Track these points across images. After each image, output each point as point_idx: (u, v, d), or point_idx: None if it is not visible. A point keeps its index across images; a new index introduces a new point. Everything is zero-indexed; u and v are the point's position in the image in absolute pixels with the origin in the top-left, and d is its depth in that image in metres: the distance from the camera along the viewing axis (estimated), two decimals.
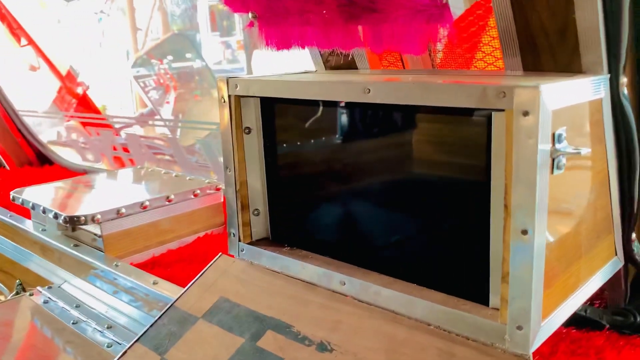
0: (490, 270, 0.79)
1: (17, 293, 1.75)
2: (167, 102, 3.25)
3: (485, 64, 1.01)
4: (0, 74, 2.77)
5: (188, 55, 3.58)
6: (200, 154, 2.31)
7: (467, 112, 0.76)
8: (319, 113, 0.97)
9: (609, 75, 0.84)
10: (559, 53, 0.87)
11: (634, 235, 0.99)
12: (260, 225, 1.10)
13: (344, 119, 0.94)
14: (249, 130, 1.06)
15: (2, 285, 1.90)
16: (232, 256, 1.10)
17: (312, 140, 1.02)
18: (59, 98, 2.93)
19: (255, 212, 1.09)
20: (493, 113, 0.74)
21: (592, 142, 0.83)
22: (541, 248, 0.72)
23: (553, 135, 0.71)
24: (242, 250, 1.09)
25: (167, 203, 1.54)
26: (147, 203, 1.51)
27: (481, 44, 0.97)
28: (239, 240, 1.09)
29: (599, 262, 0.91)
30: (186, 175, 1.77)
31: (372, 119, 0.90)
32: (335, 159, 0.98)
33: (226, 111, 1.05)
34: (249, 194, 1.08)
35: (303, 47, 0.94)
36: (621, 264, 0.98)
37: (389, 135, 0.90)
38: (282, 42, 0.94)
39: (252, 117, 1.06)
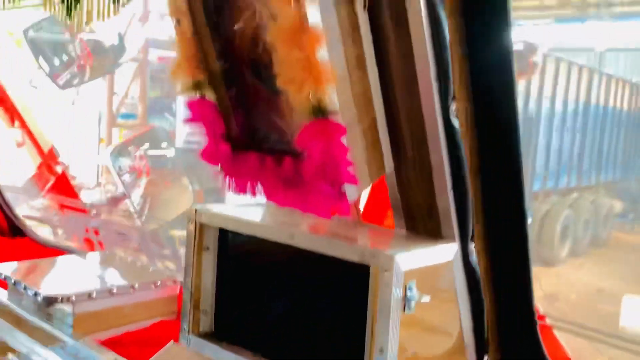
0: None
1: None
2: (138, 187, 3.57)
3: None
4: None
5: (163, 145, 3.96)
6: (162, 245, 2.61)
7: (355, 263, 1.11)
8: (260, 243, 1.31)
9: (458, 245, 1.21)
10: (428, 223, 1.24)
11: (485, 358, 1.33)
12: (206, 323, 1.41)
13: (275, 251, 1.28)
14: (207, 248, 1.40)
15: None
16: (182, 345, 1.40)
17: (254, 264, 1.35)
18: (37, 174, 3.20)
19: (204, 312, 1.41)
20: (371, 265, 1.09)
21: (441, 291, 1.19)
22: None
23: (405, 286, 1.06)
24: (189, 341, 1.39)
25: (131, 291, 1.83)
26: (114, 290, 1.79)
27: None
28: (188, 333, 1.39)
29: None
30: (149, 265, 2.07)
31: (296, 256, 1.25)
32: (267, 282, 1.32)
33: (191, 233, 1.38)
34: (201, 298, 1.40)
35: (254, 196, 1.30)
36: None
37: (306, 268, 1.24)
38: (239, 189, 1.31)
39: (211, 239, 1.40)
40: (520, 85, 8.14)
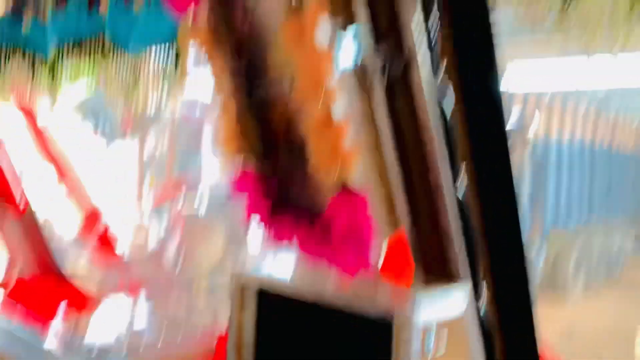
0: None
1: None
2: (174, 241, 3.80)
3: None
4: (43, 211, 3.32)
5: (196, 202, 4.21)
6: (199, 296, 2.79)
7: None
8: (295, 302, 1.48)
9: (471, 301, 1.38)
10: (441, 274, 1.41)
11: None
12: None
13: (308, 308, 1.45)
14: (246, 308, 1.57)
15: None
16: None
17: (288, 319, 1.53)
18: (82, 231, 3.45)
19: None
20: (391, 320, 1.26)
21: (456, 340, 1.35)
22: None
23: (423, 337, 1.23)
24: None
25: (174, 344, 2.00)
26: (158, 344, 1.97)
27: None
28: None
29: None
30: (189, 318, 2.24)
31: (324, 311, 1.41)
32: (301, 337, 1.49)
33: (233, 294, 1.56)
34: (243, 351, 1.57)
35: (290, 247, 1.50)
36: None
37: (335, 324, 1.41)
38: (277, 238, 1.50)
39: (250, 299, 1.57)
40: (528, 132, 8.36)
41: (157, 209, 4.26)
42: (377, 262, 1.69)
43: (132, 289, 2.89)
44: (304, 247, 1.45)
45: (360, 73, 1.26)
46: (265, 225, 1.53)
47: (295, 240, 1.47)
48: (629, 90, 13.84)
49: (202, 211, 4.37)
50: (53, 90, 1.85)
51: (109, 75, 1.65)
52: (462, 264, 1.37)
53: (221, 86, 1.41)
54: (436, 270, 1.42)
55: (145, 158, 8.44)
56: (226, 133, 1.43)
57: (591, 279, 10.18)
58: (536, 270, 9.03)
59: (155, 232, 3.97)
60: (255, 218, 1.55)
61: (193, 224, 3.99)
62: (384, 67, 1.26)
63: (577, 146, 9.84)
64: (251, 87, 1.40)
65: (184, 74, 1.54)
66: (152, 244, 4.13)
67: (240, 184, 1.46)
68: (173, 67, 1.55)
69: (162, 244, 3.80)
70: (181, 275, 3.06)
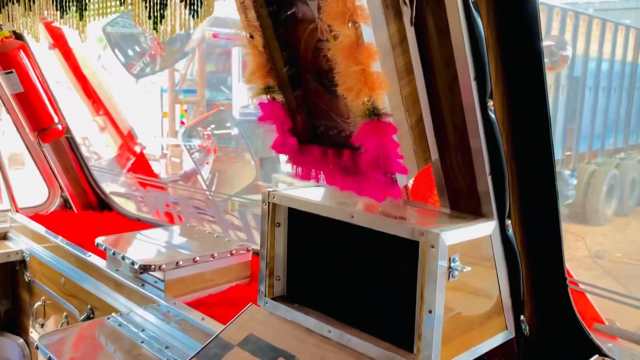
0: (415, 332, 1.34)
1: (88, 316, 2.33)
2: (207, 163, 3.89)
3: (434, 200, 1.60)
4: (80, 133, 3.42)
5: (227, 124, 4.26)
6: (234, 216, 2.90)
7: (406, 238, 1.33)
8: (324, 220, 1.54)
9: (496, 221, 1.41)
10: (469, 203, 1.44)
11: (522, 317, 1.54)
12: (280, 287, 1.67)
13: (337, 227, 1.51)
14: (279, 224, 1.65)
15: (74, 308, 2.48)
16: (259, 306, 1.67)
17: (318, 237, 1.59)
18: (119, 155, 3.57)
19: (277, 278, 1.66)
20: (420, 241, 1.31)
21: (482, 260, 1.39)
22: (439, 321, 1.28)
23: (449, 258, 1.28)
24: (266, 303, 1.65)
25: (211, 259, 2.11)
26: (197, 258, 2.08)
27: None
28: (265, 296, 1.65)
29: (490, 334, 1.46)
30: (225, 236, 2.35)
31: (354, 231, 1.47)
32: (330, 252, 1.55)
33: (265, 211, 1.63)
34: (275, 266, 1.66)
35: (317, 182, 1.53)
36: (511, 335, 1.52)
37: (364, 242, 1.47)
38: (304, 177, 1.54)
39: (282, 217, 1.64)
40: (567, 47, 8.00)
41: (190, 129, 4.32)
42: (405, 186, 1.72)
43: (171, 210, 3.03)
44: (331, 181, 1.48)
45: None
46: (293, 163, 1.55)
47: (322, 176, 1.50)
48: None
49: (235, 131, 4.42)
50: (82, 17, 1.86)
51: (136, 1, 1.65)
52: (489, 202, 1.38)
53: (247, 19, 1.39)
54: (463, 206, 1.44)
55: (176, 80, 8.50)
56: (253, 66, 1.43)
57: (624, 200, 10.10)
58: (569, 192, 8.99)
59: (189, 155, 4.07)
60: (283, 156, 1.57)
61: (225, 144, 4.06)
62: None
63: (616, 66, 9.43)
64: (277, 16, 1.38)
65: (211, 1, 1.52)
66: (187, 164, 4.24)
67: (267, 116, 1.47)
68: None
69: (197, 164, 3.89)
70: (215, 196, 3.16)
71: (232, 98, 8.76)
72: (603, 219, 9.52)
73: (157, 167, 7.77)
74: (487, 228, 1.39)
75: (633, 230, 9.36)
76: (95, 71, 3.56)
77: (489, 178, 1.37)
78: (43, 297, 2.77)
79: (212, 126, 4.18)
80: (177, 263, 2.04)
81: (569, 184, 8.88)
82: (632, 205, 10.22)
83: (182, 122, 8.56)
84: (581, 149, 9.00)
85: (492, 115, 1.32)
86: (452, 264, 1.28)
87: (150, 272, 2.06)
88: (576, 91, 8.53)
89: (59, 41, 3.16)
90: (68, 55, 3.21)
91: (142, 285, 2.10)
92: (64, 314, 2.58)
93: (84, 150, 3.36)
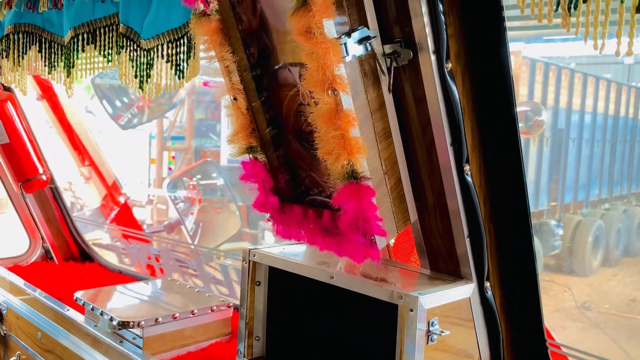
0: None
1: None
2: (192, 213, 3.88)
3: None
4: (62, 183, 3.41)
5: (213, 175, 4.28)
6: (217, 270, 2.88)
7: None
8: (304, 280, 1.54)
9: (475, 283, 1.41)
10: (448, 264, 1.45)
11: None
12: (259, 347, 1.64)
13: (317, 287, 1.51)
14: (259, 283, 1.64)
15: None
16: None
17: (299, 297, 1.58)
18: (103, 205, 3.56)
19: (257, 338, 1.64)
20: (399, 304, 1.30)
21: (461, 322, 1.39)
22: None
23: (428, 322, 1.27)
24: None
25: (191, 315, 2.08)
26: (177, 314, 2.05)
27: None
28: (244, 357, 1.63)
29: None
30: (206, 291, 2.32)
31: (334, 292, 1.47)
32: (310, 313, 1.54)
33: (245, 269, 1.62)
34: (254, 325, 1.64)
35: (298, 240, 1.54)
36: None
37: (343, 303, 1.46)
38: (285, 235, 1.54)
39: (262, 275, 1.63)
40: (550, 100, 8.21)
41: (175, 180, 4.33)
42: (387, 248, 1.74)
43: (152, 262, 3.00)
44: (312, 240, 1.49)
45: (369, 62, 1.27)
46: (274, 222, 1.56)
47: (303, 235, 1.51)
48: None
49: (220, 181, 4.43)
50: (69, 74, 1.89)
51: (123, 60, 1.68)
52: (468, 264, 1.39)
53: (230, 82, 1.43)
54: (443, 267, 1.45)
55: (164, 130, 8.57)
56: (236, 127, 1.46)
57: (610, 251, 10.15)
58: (555, 242, 9.03)
59: (174, 205, 4.06)
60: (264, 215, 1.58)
61: (211, 195, 4.06)
62: (391, 56, 1.27)
63: (599, 119, 9.67)
64: (261, 80, 1.42)
65: (196, 63, 1.56)
66: (170, 215, 4.22)
67: (249, 175, 1.49)
68: (186, 54, 1.58)
69: (181, 214, 3.88)
70: (198, 247, 3.14)
71: (220, 145, 8.83)
72: (590, 269, 9.53)
73: (143, 213, 7.73)
74: (466, 290, 1.40)
75: (620, 282, 9.36)
76: (81, 121, 3.59)
77: (467, 240, 1.39)
78: (18, 352, 2.69)
79: (198, 176, 4.21)
80: (157, 320, 2.01)
81: (555, 234, 8.94)
82: (618, 256, 10.27)
83: (170, 169, 8.58)
84: (566, 199, 9.10)
85: (469, 179, 1.35)
86: (431, 328, 1.28)
87: (129, 329, 2.03)
88: (560, 143, 8.70)
89: (47, 92, 3.20)
90: (56, 106, 3.24)
91: (120, 342, 2.05)
92: None
93: (68, 196, 3.34)
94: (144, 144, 9.46)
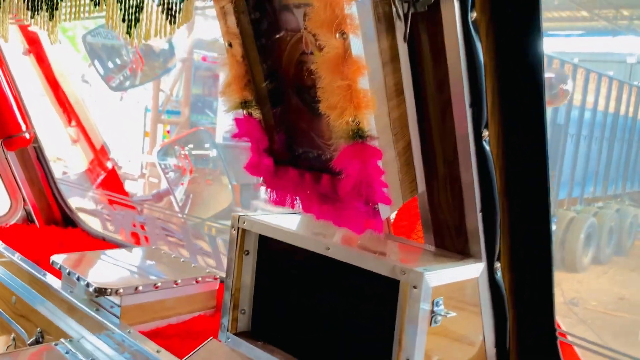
0: None
1: (37, 340, 2.13)
2: (182, 184, 3.73)
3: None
4: (49, 145, 3.26)
5: (206, 145, 4.13)
6: (204, 241, 2.74)
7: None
8: (297, 251, 1.41)
9: (484, 263, 1.29)
10: (456, 241, 1.32)
11: None
12: (244, 322, 1.52)
13: (311, 259, 1.38)
14: (247, 252, 1.51)
15: (23, 330, 2.28)
16: (220, 341, 1.51)
17: (290, 269, 1.45)
18: (89, 169, 3.41)
19: (242, 312, 1.51)
20: (401, 280, 1.18)
21: (467, 305, 1.26)
22: None
23: (432, 302, 1.15)
24: (228, 339, 1.50)
25: (174, 285, 1.95)
26: (159, 284, 1.92)
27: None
28: (227, 331, 1.50)
29: None
30: (191, 262, 2.19)
31: (330, 265, 1.34)
32: (302, 287, 1.41)
33: (234, 237, 1.49)
34: (240, 298, 1.51)
35: (292, 208, 1.40)
36: None
37: (339, 277, 1.34)
38: (279, 202, 1.40)
39: (252, 244, 1.50)
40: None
41: (167, 148, 4.18)
42: (387, 218, 1.60)
43: (138, 230, 2.86)
44: (308, 208, 1.35)
45: (384, 5, 1.13)
46: (267, 186, 1.43)
47: (298, 202, 1.38)
48: None
49: (213, 153, 4.28)
50: (52, 17, 1.73)
51: (110, 2, 1.53)
52: (478, 241, 1.26)
53: (226, 25, 1.28)
54: (450, 244, 1.32)
55: (161, 101, 8.38)
56: (230, 78, 1.32)
57: (602, 249, 10.12)
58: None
59: (164, 174, 3.91)
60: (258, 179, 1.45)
61: (202, 170, 3.92)
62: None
63: (598, 116, 9.56)
64: (259, 24, 1.27)
65: (190, 6, 1.41)
66: (161, 184, 4.08)
67: (242, 133, 1.35)
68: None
69: (170, 184, 3.73)
70: (188, 219, 3.00)
71: (217, 122, 8.65)
72: (580, 266, 9.50)
73: (135, 187, 7.56)
74: (474, 270, 1.27)
75: (609, 280, 9.34)
76: (73, 90, 3.42)
77: (479, 215, 1.26)
78: None
79: (190, 146, 4.06)
80: (136, 288, 1.87)
81: None
82: (609, 254, 10.25)
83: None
84: (561, 195, 9.02)
85: (487, 147, 1.21)
86: (436, 308, 1.16)
87: (107, 296, 1.89)
88: (558, 138, 8.59)
89: (33, 45, 3.02)
90: (42, 60, 3.07)
91: (97, 310, 1.92)
92: (12, 335, 2.37)
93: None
94: (140, 117, 9.26)
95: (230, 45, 1.31)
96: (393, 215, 1.69)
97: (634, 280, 9.23)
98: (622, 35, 10.80)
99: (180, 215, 3.40)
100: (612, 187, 10.46)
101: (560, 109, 8.60)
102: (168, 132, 8.75)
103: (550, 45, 9.94)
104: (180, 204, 3.61)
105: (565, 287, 8.60)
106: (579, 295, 8.33)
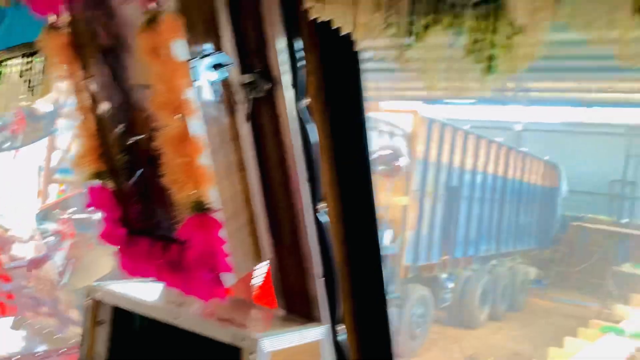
0: None
1: None
2: (61, 249, 3.58)
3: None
4: None
5: (89, 209, 4.01)
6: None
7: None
8: (151, 321, 1.42)
9: (328, 325, 1.37)
10: (302, 305, 1.39)
11: None
12: None
13: (163, 329, 1.39)
14: (101, 322, 1.49)
15: None
16: None
17: (145, 338, 1.46)
18: None
19: None
20: (242, 347, 1.22)
21: None
22: None
23: None
24: None
25: (35, 358, 1.87)
26: (19, 357, 1.84)
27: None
28: None
29: None
30: (57, 332, 2.11)
31: (181, 334, 1.36)
32: (155, 356, 1.42)
33: (88, 307, 1.48)
34: None
35: (145, 277, 1.43)
36: None
37: (188, 346, 1.36)
38: (132, 272, 1.43)
39: (107, 314, 1.49)
40: (443, 158, 8.66)
41: (46, 212, 4.01)
42: (250, 287, 1.66)
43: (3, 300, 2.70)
44: (160, 276, 1.39)
45: (224, 90, 1.23)
46: (122, 255, 1.45)
47: (149, 271, 1.41)
48: (538, 130, 14.89)
49: (99, 215, 4.16)
50: None
51: None
52: (322, 305, 1.34)
53: (80, 101, 1.34)
54: (297, 308, 1.40)
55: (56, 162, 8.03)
56: (84, 150, 1.36)
57: (497, 305, 10.64)
58: (446, 295, 9.32)
59: (42, 239, 3.74)
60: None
61: (85, 230, 3.79)
62: (249, 86, 1.24)
63: (489, 179, 10.29)
64: (111, 99, 1.33)
65: (48, 81, 1.45)
66: (39, 250, 3.89)
67: (95, 203, 1.38)
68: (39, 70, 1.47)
69: (49, 251, 3.58)
70: (66, 287, 2.88)
71: None
72: (477, 322, 9.91)
73: (24, 250, 7.08)
74: (317, 333, 1.34)
75: (504, 336, 9.79)
76: None
77: (321, 281, 1.35)
78: None
79: (74, 209, 3.93)
80: None
81: (445, 287, 9.23)
82: (504, 310, 10.79)
83: None
84: (457, 254, 9.48)
85: (324, 219, 1.32)
86: None
87: None
88: (452, 200, 9.12)
89: None
90: None
91: None
92: None
93: None
94: (33, 176, 8.82)
95: (84, 118, 1.36)
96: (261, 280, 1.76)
97: (527, 336, 9.73)
98: (510, 105, 11.85)
99: (57, 283, 3.25)
100: (504, 245, 11.16)
101: (453, 173, 9.16)
102: (63, 191, 8.38)
103: (445, 113, 10.70)
104: (60, 270, 3.45)
105: (465, 343, 8.91)
106: (477, 352, 8.65)
